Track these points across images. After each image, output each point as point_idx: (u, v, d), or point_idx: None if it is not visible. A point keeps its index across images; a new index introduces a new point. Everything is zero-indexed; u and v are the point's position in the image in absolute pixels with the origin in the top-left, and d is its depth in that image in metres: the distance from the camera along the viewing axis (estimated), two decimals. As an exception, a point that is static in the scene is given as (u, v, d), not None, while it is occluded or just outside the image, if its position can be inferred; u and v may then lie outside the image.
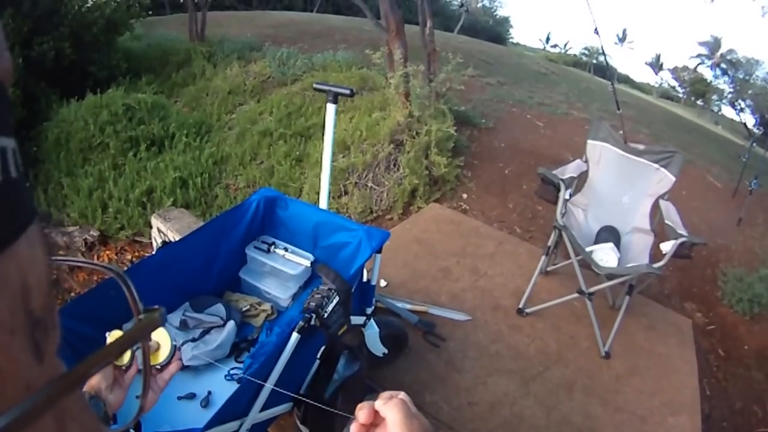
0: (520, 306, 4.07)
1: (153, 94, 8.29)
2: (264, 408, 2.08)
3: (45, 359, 0.33)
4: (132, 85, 9.14)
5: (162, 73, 10.18)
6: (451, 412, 3.10)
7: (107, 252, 5.73)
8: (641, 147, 4.60)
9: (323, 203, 3.14)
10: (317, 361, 2.41)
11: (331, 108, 3.09)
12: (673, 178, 4.41)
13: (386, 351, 2.91)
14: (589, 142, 4.61)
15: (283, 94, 8.43)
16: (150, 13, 12.29)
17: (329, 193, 3.18)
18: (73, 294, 4.89)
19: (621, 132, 4.81)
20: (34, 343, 0.31)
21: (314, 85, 3.30)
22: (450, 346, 3.56)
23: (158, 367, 1.40)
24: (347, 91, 3.12)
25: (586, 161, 4.58)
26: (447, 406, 3.12)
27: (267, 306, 2.67)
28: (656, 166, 4.47)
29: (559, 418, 3.28)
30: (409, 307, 3.76)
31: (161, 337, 1.40)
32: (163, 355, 1.40)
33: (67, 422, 0.35)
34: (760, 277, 5.68)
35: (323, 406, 2.09)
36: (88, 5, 9.13)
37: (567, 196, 4.07)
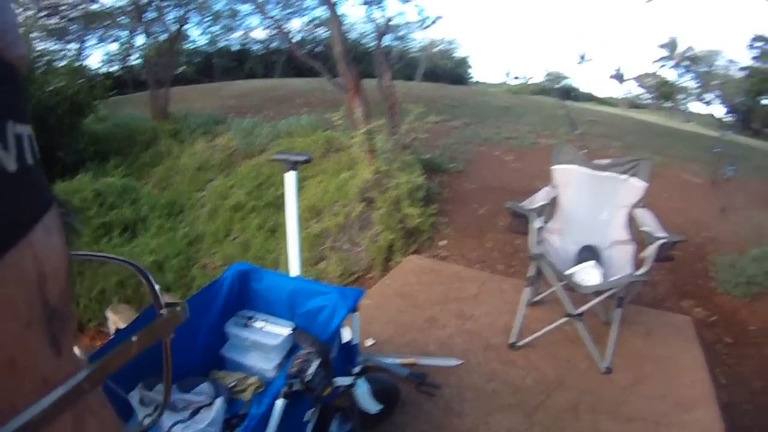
0: (512, 341, 4.08)
1: (122, 176, 8.44)
2: None
3: (63, 352, 0.33)
4: (100, 168, 9.30)
5: (129, 154, 10.34)
6: None
7: (84, 339, 5.84)
8: (606, 161, 4.70)
9: (295, 271, 3.18)
10: (309, 426, 2.42)
11: (290, 176, 3.16)
12: (644, 185, 4.52)
13: (381, 407, 2.94)
14: (554, 167, 4.71)
15: (251, 166, 8.56)
16: (113, 93, 12.39)
17: (300, 260, 3.23)
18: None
19: (584, 151, 4.92)
20: (51, 335, 0.32)
21: (273, 157, 3.39)
22: (446, 393, 3.56)
23: None
24: (304, 158, 3.21)
25: (554, 187, 4.67)
26: None
27: (254, 379, 2.68)
28: (625, 176, 4.57)
29: None
30: (398, 361, 3.76)
31: None
32: None
33: (86, 418, 0.35)
34: (752, 257, 5.82)
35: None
36: (50, 88, 9.21)
37: (539, 225, 4.14)
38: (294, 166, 3.18)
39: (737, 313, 5.44)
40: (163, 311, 0.49)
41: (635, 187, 4.54)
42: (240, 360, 2.78)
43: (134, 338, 0.40)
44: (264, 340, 2.71)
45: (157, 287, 0.53)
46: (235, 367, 2.82)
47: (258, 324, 2.81)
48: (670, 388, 3.81)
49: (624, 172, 4.59)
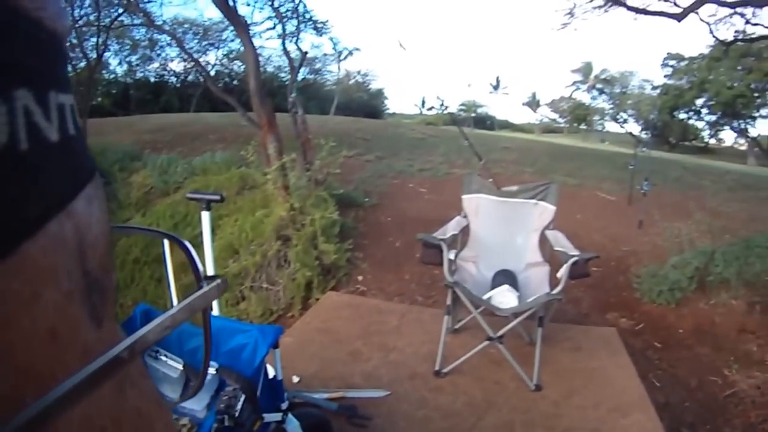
0: (437, 368, 4.11)
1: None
2: None
3: (103, 323, 0.33)
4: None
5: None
6: None
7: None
8: (515, 188, 4.87)
9: (215, 310, 3.19)
10: None
11: (205, 216, 3.19)
12: (553, 208, 4.67)
13: (313, 443, 2.93)
14: (464, 196, 4.84)
15: (168, 204, 8.46)
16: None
17: (219, 300, 3.21)
18: None
19: (491, 180, 5.01)
20: (91, 305, 0.32)
21: (186, 196, 3.41)
22: (377, 423, 3.56)
23: None
24: (218, 197, 3.22)
25: (465, 216, 4.79)
26: None
27: (185, 420, 2.69)
28: (534, 201, 4.75)
29: None
30: (326, 395, 3.78)
31: None
32: None
33: (126, 388, 0.35)
34: (673, 265, 6.02)
35: None
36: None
37: (452, 255, 4.20)
38: (208, 205, 3.18)
39: (665, 318, 5.65)
40: (203, 283, 0.49)
41: (545, 210, 4.71)
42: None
43: (174, 312, 0.40)
44: (168, 371, 2.68)
45: (197, 260, 0.53)
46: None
47: (162, 357, 2.77)
48: (603, 396, 3.90)
49: (533, 197, 4.77)
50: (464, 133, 6.41)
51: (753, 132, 48.19)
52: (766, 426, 4.12)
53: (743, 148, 51.06)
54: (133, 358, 0.32)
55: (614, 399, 3.87)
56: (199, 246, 3.33)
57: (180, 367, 2.73)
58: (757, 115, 45.30)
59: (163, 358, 2.76)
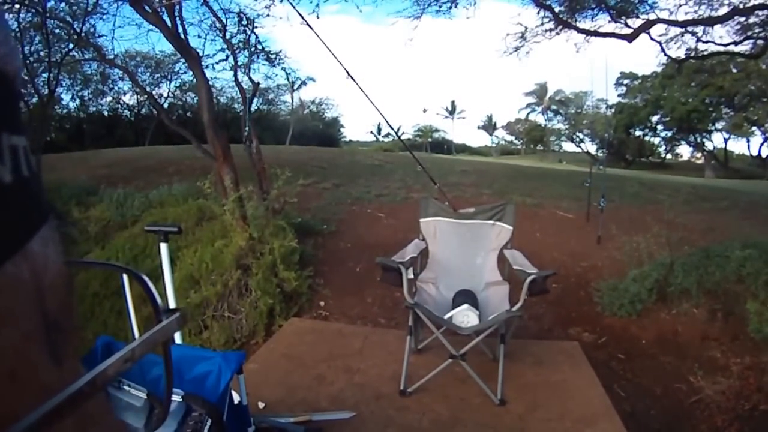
0: (402, 388, 4.13)
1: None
2: None
3: (64, 363, 0.33)
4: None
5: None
6: None
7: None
8: (471, 210, 4.97)
9: (178, 340, 3.25)
10: None
11: (164, 247, 3.27)
12: (510, 228, 4.80)
13: (281, 465, 2.96)
14: (421, 220, 4.96)
15: (126, 237, 8.40)
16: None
17: (182, 330, 3.24)
18: None
19: (447, 203, 5.11)
20: (51, 345, 0.32)
21: (145, 228, 3.58)
22: (344, 445, 3.55)
23: None
24: (175, 229, 3.30)
25: (423, 239, 4.88)
26: None
27: None
28: (491, 222, 4.86)
29: None
30: (292, 420, 3.77)
31: None
32: None
33: (88, 426, 0.35)
34: (633, 278, 6.18)
35: None
36: None
37: (411, 276, 4.28)
38: (166, 237, 3.23)
39: (627, 330, 5.76)
40: (163, 317, 0.49)
41: (502, 230, 4.84)
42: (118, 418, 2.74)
43: (135, 344, 0.40)
44: (132, 401, 2.69)
45: (155, 293, 0.53)
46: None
47: (125, 386, 2.79)
48: (568, 408, 3.98)
49: (490, 218, 4.90)
50: (417, 159, 6.50)
51: (709, 145, 49.19)
52: (732, 430, 4.23)
53: (700, 161, 51.98)
54: (94, 393, 0.33)
55: (579, 410, 3.95)
56: (159, 278, 3.38)
57: (144, 395, 2.76)
58: (712, 128, 46.33)
59: (126, 387, 2.78)
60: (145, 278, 0.55)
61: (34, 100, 12.81)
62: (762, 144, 45.98)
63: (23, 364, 0.29)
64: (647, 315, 5.89)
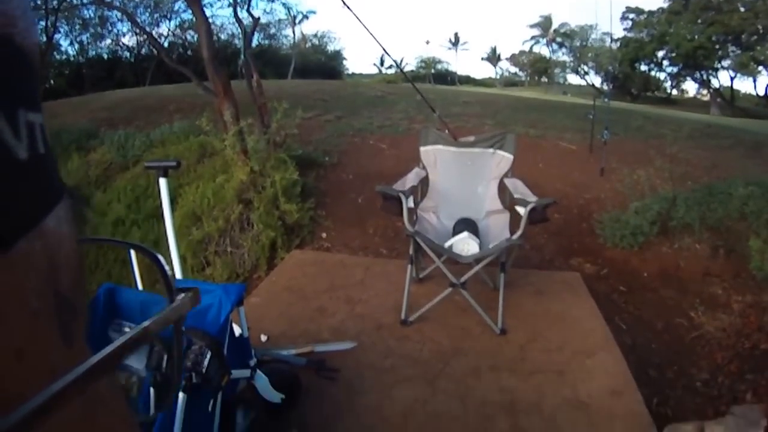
0: (403, 318, 4.16)
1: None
2: None
3: (74, 342, 0.33)
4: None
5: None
6: None
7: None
8: (472, 139, 4.90)
9: (178, 274, 3.24)
10: (215, 418, 2.46)
11: (163, 182, 3.22)
12: (511, 156, 4.73)
13: (283, 397, 2.97)
14: (421, 149, 4.88)
15: (128, 179, 8.37)
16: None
17: (180, 263, 3.25)
18: None
19: (447, 131, 5.06)
20: (62, 325, 0.31)
21: (144, 165, 3.47)
22: (345, 375, 3.60)
23: None
24: (174, 164, 3.25)
25: (424, 167, 4.83)
26: (361, 429, 3.15)
27: (134, 378, 2.69)
28: (491, 150, 4.80)
29: (476, 402, 3.35)
30: (294, 351, 3.81)
31: None
32: None
33: (96, 407, 0.35)
34: (635, 210, 6.14)
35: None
36: None
37: (411, 205, 4.26)
38: (165, 172, 3.20)
39: (629, 263, 5.75)
40: (176, 296, 0.48)
41: (503, 159, 4.77)
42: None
43: (147, 325, 0.40)
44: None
45: (168, 272, 0.52)
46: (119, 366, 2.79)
47: (126, 328, 2.79)
48: (568, 339, 4.00)
49: (490, 147, 4.82)
50: (417, 89, 6.42)
51: (715, 83, 48.58)
52: (732, 367, 4.21)
53: (706, 99, 51.44)
54: (103, 374, 0.32)
55: (579, 341, 3.97)
56: (161, 217, 3.37)
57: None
58: (718, 66, 45.65)
59: (127, 329, 2.80)
60: (158, 256, 0.54)
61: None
62: (768, 84, 45.26)
63: (32, 343, 0.29)
64: (649, 248, 5.88)
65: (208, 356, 2.27)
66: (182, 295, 0.48)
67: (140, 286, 3.18)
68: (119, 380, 2.65)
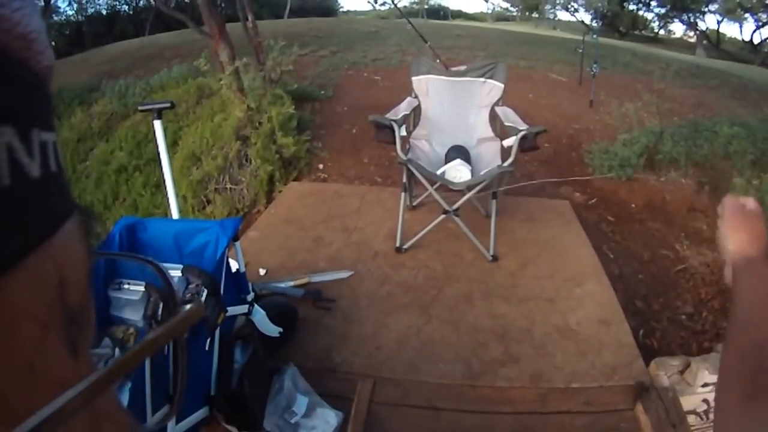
0: (397, 245, 4.18)
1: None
2: (179, 419, 2.14)
3: (80, 357, 0.33)
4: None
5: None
6: (362, 362, 3.15)
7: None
8: (463, 68, 4.83)
9: (175, 214, 3.19)
10: (213, 355, 2.47)
11: (157, 124, 3.15)
12: (502, 85, 4.64)
13: (281, 330, 2.97)
14: (413, 78, 4.77)
15: (128, 126, 8.27)
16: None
17: (177, 203, 3.21)
18: None
19: (438, 60, 5.00)
20: (69, 340, 0.31)
21: (138, 108, 3.45)
22: (342, 305, 3.61)
23: None
24: (168, 104, 3.21)
25: (416, 96, 4.73)
26: (357, 358, 3.17)
27: (132, 329, 2.68)
28: (482, 79, 4.71)
29: (468, 329, 3.39)
30: (291, 283, 3.80)
31: None
32: None
33: (101, 421, 0.35)
34: (623, 142, 6.17)
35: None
36: None
37: (404, 133, 4.20)
38: (159, 114, 3.16)
39: (617, 193, 5.74)
40: (181, 309, 0.47)
41: (494, 87, 4.68)
42: (119, 315, 2.76)
43: (150, 337, 0.40)
44: (131, 296, 2.68)
45: (174, 285, 0.54)
46: (118, 322, 2.80)
47: (126, 286, 2.77)
48: (558, 267, 4.02)
49: (481, 75, 4.73)
50: (408, 20, 6.35)
51: (702, 26, 48.04)
52: (715, 303, 4.24)
53: (692, 40, 50.98)
54: (107, 389, 0.32)
55: (569, 269, 3.99)
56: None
57: (141, 288, 2.75)
58: (705, 10, 45.09)
59: (126, 286, 2.78)
60: (166, 271, 0.55)
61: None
62: (754, 31, 44.64)
63: (41, 357, 0.28)
64: (636, 180, 5.88)
65: (205, 294, 2.24)
66: (186, 307, 0.47)
67: (176, 215, 3.20)
68: (117, 334, 2.67)
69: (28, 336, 0.27)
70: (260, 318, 2.85)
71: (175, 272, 2.69)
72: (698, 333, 3.98)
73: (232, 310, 2.55)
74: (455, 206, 3.97)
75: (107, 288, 2.75)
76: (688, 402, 2.83)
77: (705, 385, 2.83)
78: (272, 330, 2.91)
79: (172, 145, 7.12)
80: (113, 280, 2.82)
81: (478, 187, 3.96)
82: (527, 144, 3.87)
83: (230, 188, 5.75)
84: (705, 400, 2.86)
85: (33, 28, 0.28)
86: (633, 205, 5.57)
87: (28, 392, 0.27)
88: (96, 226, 6.24)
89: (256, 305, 2.84)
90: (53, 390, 0.28)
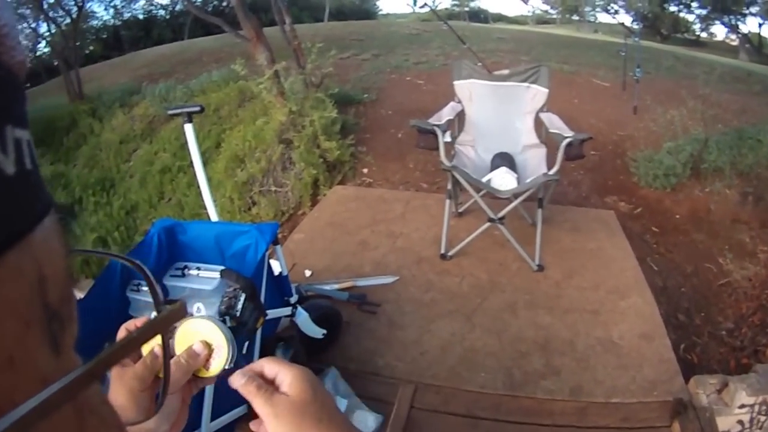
0: (442, 252, 4.16)
1: (49, 164, 8.22)
2: (215, 416, 2.16)
3: (62, 352, 0.33)
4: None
5: (52, 142, 9.97)
6: (406, 367, 3.16)
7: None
8: (506, 72, 4.77)
9: (213, 217, 3.22)
10: (254, 358, 2.45)
11: (188, 128, 3.13)
12: (546, 90, 4.59)
13: (324, 332, 3.00)
14: (455, 83, 4.74)
15: (172, 128, 8.40)
16: (26, 86, 12.04)
17: (215, 204, 3.24)
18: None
19: (479, 64, 4.98)
20: (51, 335, 0.31)
21: (168, 112, 3.56)
22: (386, 309, 3.62)
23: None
24: (197, 108, 3.18)
25: (459, 101, 4.71)
26: (401, 363, 3.18)
27: None
28: (526, 84, 4.65)
29: (511, 339, 3.38)
30: (336, 286, 3.82)
31: (215, 336, 0.91)
32: (218, 362, 0.91)
33: (86, 415, 0.35)
34: (668, 150, 5.99)
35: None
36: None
37: (448, 139, 4.20)
38: (189, 117, 3.16)
39: (661, 203, 5.63)
40: (162, 308, 0.50)
41: (537, 92, 4.62)
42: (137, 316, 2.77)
43: (135, 334, 0.41)
44: (201, 286, 2.70)
45: (156, 284, 0.54)
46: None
47: (192, 272, 2.80)
48: (602, 278, 3.97)
49: (524, 80, 4.67)
50: (447, 23, 6.35)
51: (743, 28, 47.22)
52: (755, 319, 4.14)
53: (735, 43, 50.12)
54: (92, 384, 0.33)
55: (613, 281, 3.95)
56: (207, 161, 3.35)
57: (217, 275, 2.79)
58: (747, 12, 44.32)
59: (193, 272, 2.81)
60: (146, 269, 0.55)
61: (67, 21, 12.78)
62: (797, 35, 43.91)
63: (22, 352, 0.28)
64: (681, 190, 5.76)
65: (242, 299, 2.26)
66: (168, 307, 0.48)
67: (215, 217, 3.22)
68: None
69: (9, 331, 0.28)
70: (303, 320, 2.89)
71: (214, 274, 2.74)
72: (737, 349, 3.89)
73: (272, 313, 2.57)
74: (501, 214, 3.94)
75: (125, 289, 2.81)
76: (723, 422, 2.78)
77: (742, 406, 2.77)
78: (315, 332, 2.94)
79: (216, 147, 7.21)
80: (131, 281, 2.88)
81: (523, 195, 3.93)
82: (573, 151, 3.81)
83: (275, 190, 5.79)
84: (740, 422, 2.81)
85: (2, 23, 0.29)
86: (677, 216, 5.47)
87: (9, 387, 0.27)
88: (74, 225, 6.32)
89: (299, 307, 2.87)
90: (35, 385, 0.29)
